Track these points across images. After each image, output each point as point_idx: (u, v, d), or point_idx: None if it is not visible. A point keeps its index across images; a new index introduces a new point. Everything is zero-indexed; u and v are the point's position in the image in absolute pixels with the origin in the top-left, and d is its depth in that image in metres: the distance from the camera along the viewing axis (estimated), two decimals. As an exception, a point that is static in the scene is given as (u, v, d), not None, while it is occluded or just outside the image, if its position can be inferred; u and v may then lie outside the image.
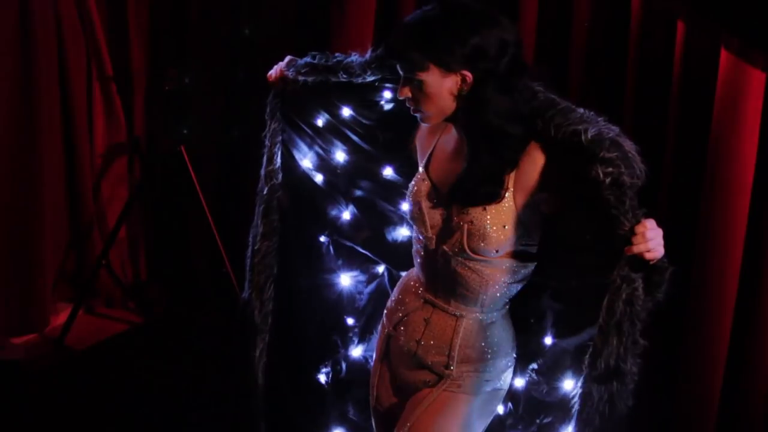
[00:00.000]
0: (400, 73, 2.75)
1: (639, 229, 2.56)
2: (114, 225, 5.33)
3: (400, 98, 2.79)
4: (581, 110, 2.71)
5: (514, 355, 3.03)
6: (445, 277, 2.93)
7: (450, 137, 2.94)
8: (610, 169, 2.58)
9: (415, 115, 2.81)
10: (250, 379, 3.33)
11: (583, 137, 2.62)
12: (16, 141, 4.98)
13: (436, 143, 3.00)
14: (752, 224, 3.69)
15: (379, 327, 3.23)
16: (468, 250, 2.84)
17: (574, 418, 2.76)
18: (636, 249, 2.56)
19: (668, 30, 3.79)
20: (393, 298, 3.15)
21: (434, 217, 2.92)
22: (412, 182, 3.00)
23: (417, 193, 2.96)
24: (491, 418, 3.07)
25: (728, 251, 3.71)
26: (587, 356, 2.70)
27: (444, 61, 2.69)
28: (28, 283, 5.15)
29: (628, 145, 2.64)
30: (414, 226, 3.01)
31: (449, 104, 2.76)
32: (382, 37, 4.59)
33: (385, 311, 3.20)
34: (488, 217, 2.79)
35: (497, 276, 2.87)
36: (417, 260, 3.04)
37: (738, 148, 3.63)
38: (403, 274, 3.29)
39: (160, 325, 5.43)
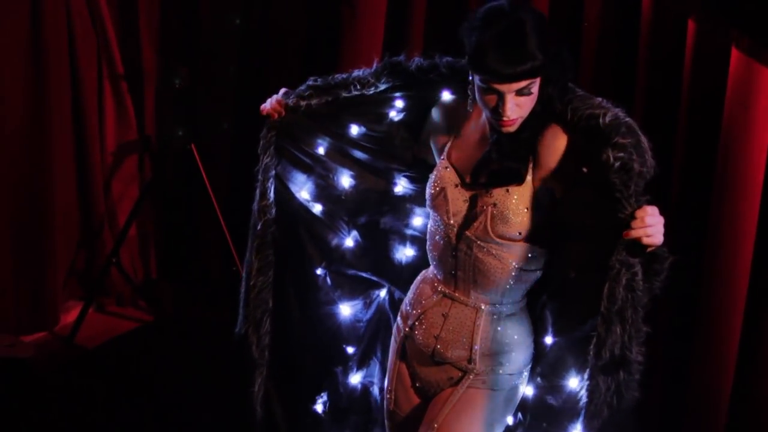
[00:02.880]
0: (503, 91, 2.70)
1: (639, 213, 2.58)
2: (124, 223, 5.34)
3: (511, 116, 2.72)
4: (599, 99, 2.77)
5: (533, 351, 3.03)
6: (466, 265, 2.93)
7: (474, 126, 2.94)
8: (621, 154, 2.63)
9: (508, 126, 2.76)
10: (248, 413, 3.31)
11: (600, 120, 2.68)
12: (27, 140, 4.99)
13: (456, 134, 3.00)
14: (762, 223, 3.69)
15: (394, 330, 3.22)
16: (492, 234, 2.85)
17: (583, 411, 2.76)
18: (634, 233, 2.58)
19: (679, 29, 3.78)
20: (407, 300, 3.14)
21: (457, 203, 2.92)
22: (434, 172, 2.99)
23: (440, 181, 2.95)
24: (506, 422, 3.06)
25: (738, 250, 3.70)
26: (591, 346, 2.70)
27: (547, 57, 2.70)
28: (39, 282, 5.16)
29: (642, 137, 2.68)
30: (434, 216, 3.00)
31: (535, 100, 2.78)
32: (393, 36, 4.62)
33: (399, 314, 3.19)
34: (511, 199, 2.82)
35: (518, 262, 2.88)
36: (434, 254, 3.03)
37: (748, 146, 3.63)
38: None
39: (171, 323, 5.44)
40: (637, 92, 3.94)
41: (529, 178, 2.81)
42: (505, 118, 2.74)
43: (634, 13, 3.91)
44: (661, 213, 2.62)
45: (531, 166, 2.81)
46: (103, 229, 5.48)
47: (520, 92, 2.71)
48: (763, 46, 3.55)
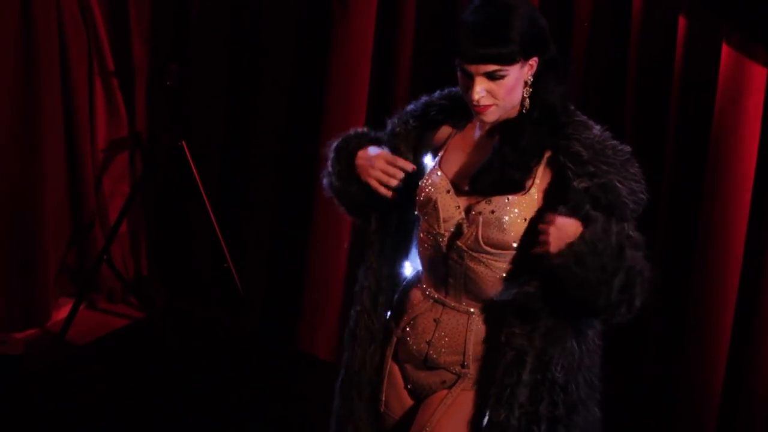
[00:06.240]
0: (472, 72, 2.69)
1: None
2: (115, 220, 5.33)
3: (480, 99, 2.71)
4: (596, 129, 2.76)
5: None
6: (457, 273, 2.88)
7: (468, 133, 2.92)
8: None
9: (481, 112, 2.74)
10: None
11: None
12: (17, 135, 4.98)
13: (447, 141, 2.95)
14: (754, 220, 3.70)
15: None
16: (483, 244, 2.80)
17: None
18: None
19: (669, 26, 3.79)
20: (398, 299, 3.11)
21: (449, 210, 2.86)
22: (424, 179, 2.93)
23: (431, 187, 2.90)
24: None
25: (730, 248, 3.71)
26: None
27: (526, 51, 2.69)
28: (30, 278, 5.15)
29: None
30: (424, 224, 2.94)
31: (520, 93, 2.75)
32: (384, 32, 4.62)
33: (391, 314, 3.14)
34: (510, 208, 2.77)
35: (510, 272, 2.84)
36: (424, 260, 2.98)
37: (739, 144, 3.64)
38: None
39: (162, 320, 5.43)
40: (627, 89, 3.94)
41: (534, 189, 2.77)
42: (474, 102, 2.72)
43: (624, 9, 3.91)
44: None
45: (539, 176, 2.78)
46: (93, 225, 5.47)
47: (490, 76, 2.68)
48: (753, 41, 3.56)
